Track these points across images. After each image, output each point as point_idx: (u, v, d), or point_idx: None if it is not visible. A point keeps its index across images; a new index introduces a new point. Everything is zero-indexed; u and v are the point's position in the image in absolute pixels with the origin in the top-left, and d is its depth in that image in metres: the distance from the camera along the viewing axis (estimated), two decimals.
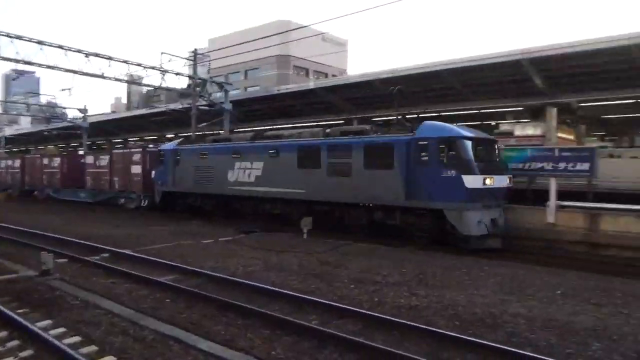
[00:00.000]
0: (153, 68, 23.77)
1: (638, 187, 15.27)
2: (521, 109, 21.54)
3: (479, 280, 9.58)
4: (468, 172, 12.69)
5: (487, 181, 12.86)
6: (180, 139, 22.81)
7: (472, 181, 12.64)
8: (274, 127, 27.86)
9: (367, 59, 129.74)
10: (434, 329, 6.51)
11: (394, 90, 16.66)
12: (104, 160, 25.57)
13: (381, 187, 13.91)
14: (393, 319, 6.94)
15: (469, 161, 12.82)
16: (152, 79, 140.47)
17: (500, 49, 22.80)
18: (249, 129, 27.71)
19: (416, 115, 16.32)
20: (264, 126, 30.53)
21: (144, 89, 73.48)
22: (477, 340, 6.12)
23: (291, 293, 8.25)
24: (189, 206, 20.93)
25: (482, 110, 22.44)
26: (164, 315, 7.16)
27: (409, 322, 6.75)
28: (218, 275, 9.58)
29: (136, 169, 23.18)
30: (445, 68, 20.05)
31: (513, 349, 5.80)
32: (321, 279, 9.63)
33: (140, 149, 23.84)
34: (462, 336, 6.25)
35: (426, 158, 13.15)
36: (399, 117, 16.67)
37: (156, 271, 10.05)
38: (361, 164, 14.42)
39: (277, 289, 8.51)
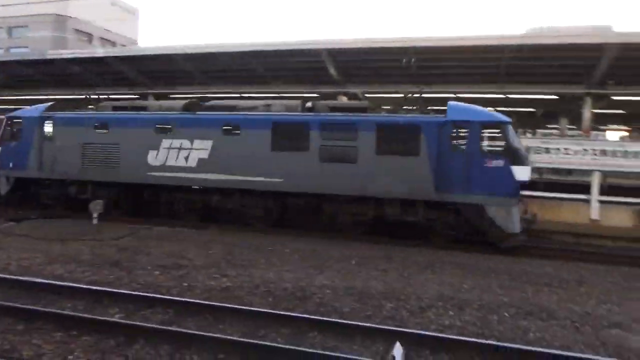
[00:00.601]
0: None
1: None
2: (317, 95, 23.11)
3: (285, 257, 9.98)
4: (518, 162, 11.13)
5: (530, 173, 11.62)
6: (50, 103, 15.94)
7: (521, 173, 11.10)
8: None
9: (162, 32, 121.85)
10: (248, 308, 6.51)
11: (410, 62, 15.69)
12: None
13: (401, 177, 11.59)
14: (205, 302, 6.71)
15: (517, 150, 11.37)
16: None
17: (304, 37, 23.79)
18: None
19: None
20: (37, 95, 26.08)
21: None
22: (289, 314, 6.35)
23: (85, 286, 7.24)
24: (67, 199, 15.07)
25: (283, 94, 23.31)
26: None
27: (222, 304, 6.61)
28: None
29: None
30: (251, 50, 20.09)
31: (321, 318, 6.19)
32: (120, 267, 8.72)
33: None
34: (275, 311, 6.41)
35: (464, 145, 11.47)
36: (411, 95, 13.72)
37: None
38: (373, 148, 11.80)
39: (66, 284, 7.37)
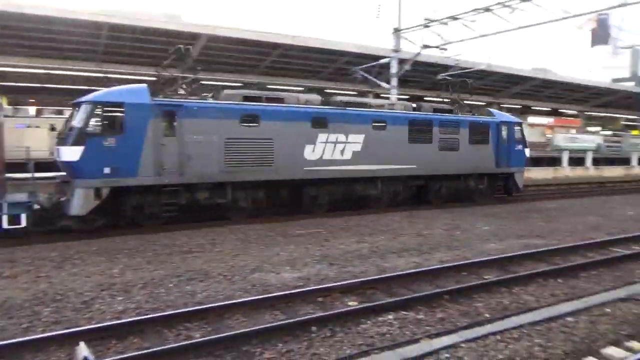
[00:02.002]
0: None
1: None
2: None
3: None
4: (526, 146, 18.81)
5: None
6: (143, 85, 12.05)
7: (528, 153, 19.05)
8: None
9: None
10: None
11: None
12: None
13: (480, 159, 17.27)
14: None
15: (525, 138, 18.89)
16: None
17: None
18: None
19: None
20: None
21: None
22: None
23: None
24: (192, 206, 12.47)
25: None
26: None
27: None
28: None
29: None
30: None
31: None
32: None
33: None
34: None
35: (506, 136, 17.89)
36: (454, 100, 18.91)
37: None
38: (467, 140, 16.95)
39: None
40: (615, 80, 64.17)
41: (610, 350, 4.94)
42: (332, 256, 9.11)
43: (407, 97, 31.70)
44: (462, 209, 16.18)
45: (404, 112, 16.17)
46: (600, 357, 4.81)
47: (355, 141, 14.56)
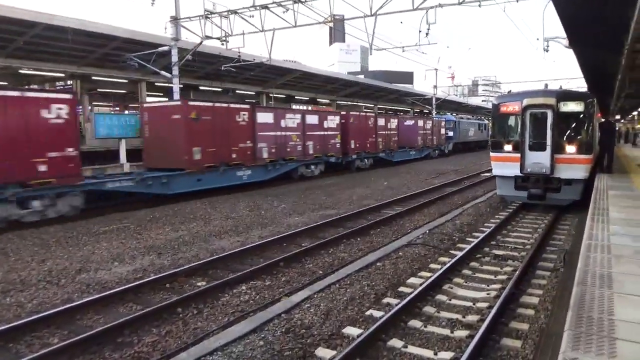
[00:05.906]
0: None
1: None
2: None
3: None
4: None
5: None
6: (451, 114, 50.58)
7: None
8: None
9: None
10: None
11: None
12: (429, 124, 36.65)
13: (485, 135, 49.07)
14: None
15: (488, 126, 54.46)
16: None
17: None
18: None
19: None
20: None
21: None
22: None
23: None
24: (459, 149, 41.71)
25: None
26: None
27: None
28: None
29: (443, 131, 39.32)
30: None
31: None
32: None
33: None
34: None
35: (486, 126, 51.10)
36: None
37: None
38: (484, 128, 50.87)
39: None
40: (351, 73, 76.08)
41: (412, 280, 6.71)
42: (157, 246, 9.09)
43: (182, 85, 31.33)
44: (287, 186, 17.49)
45: (476, 119, 51.88)
46: (408, 285, 6.50)
47: (473, 129, 47.91)
